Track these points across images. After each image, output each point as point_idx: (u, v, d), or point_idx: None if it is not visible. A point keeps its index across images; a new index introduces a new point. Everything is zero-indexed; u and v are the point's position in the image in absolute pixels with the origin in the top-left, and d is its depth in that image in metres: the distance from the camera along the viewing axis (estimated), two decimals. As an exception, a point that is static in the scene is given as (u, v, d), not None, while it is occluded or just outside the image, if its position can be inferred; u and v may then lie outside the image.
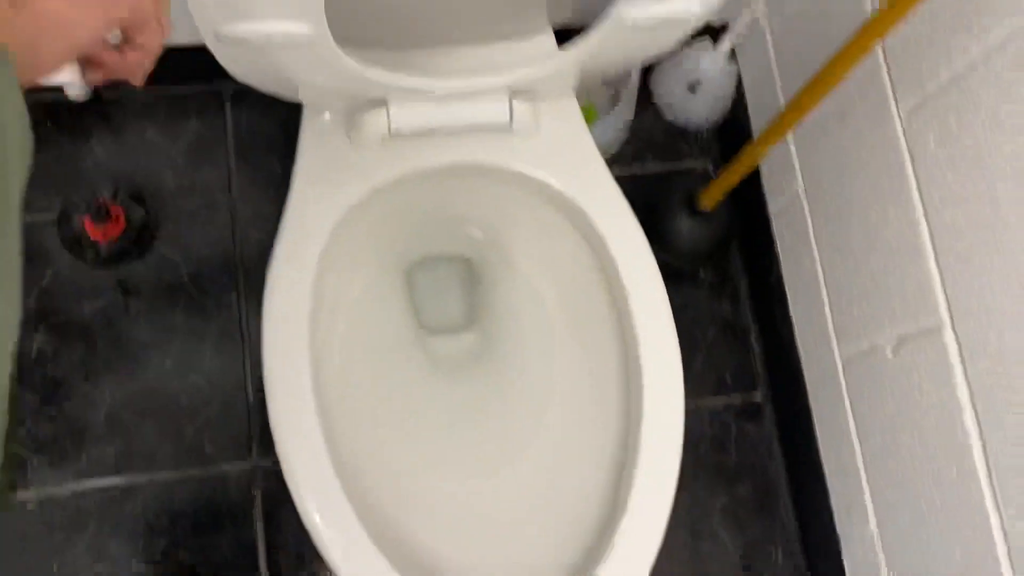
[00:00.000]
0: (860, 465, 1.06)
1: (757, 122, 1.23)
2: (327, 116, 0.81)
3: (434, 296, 1.02)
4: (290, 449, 0.73)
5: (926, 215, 0.89)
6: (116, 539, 1.08)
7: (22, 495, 1.08)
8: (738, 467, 1.23)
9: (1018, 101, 0.75)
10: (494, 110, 0.79)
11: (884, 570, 1.03)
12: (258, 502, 1.12)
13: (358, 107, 0.78)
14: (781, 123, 0.96)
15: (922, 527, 0.95)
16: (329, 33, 0.62)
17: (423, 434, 0.92)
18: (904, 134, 0.91)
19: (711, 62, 1.24)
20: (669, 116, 1.32)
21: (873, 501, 1.04)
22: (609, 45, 0.70)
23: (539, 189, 0.84)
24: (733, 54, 1.26)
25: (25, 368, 1.11)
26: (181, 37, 1.11)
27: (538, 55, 0.74)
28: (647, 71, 1.32)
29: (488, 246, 0.97)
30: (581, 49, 0.70)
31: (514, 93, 0.79)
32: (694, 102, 1.29)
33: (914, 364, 0.93)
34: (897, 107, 0.92)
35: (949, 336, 0.87)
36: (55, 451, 1.10)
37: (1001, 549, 0.83)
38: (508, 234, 0.94)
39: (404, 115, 0.77)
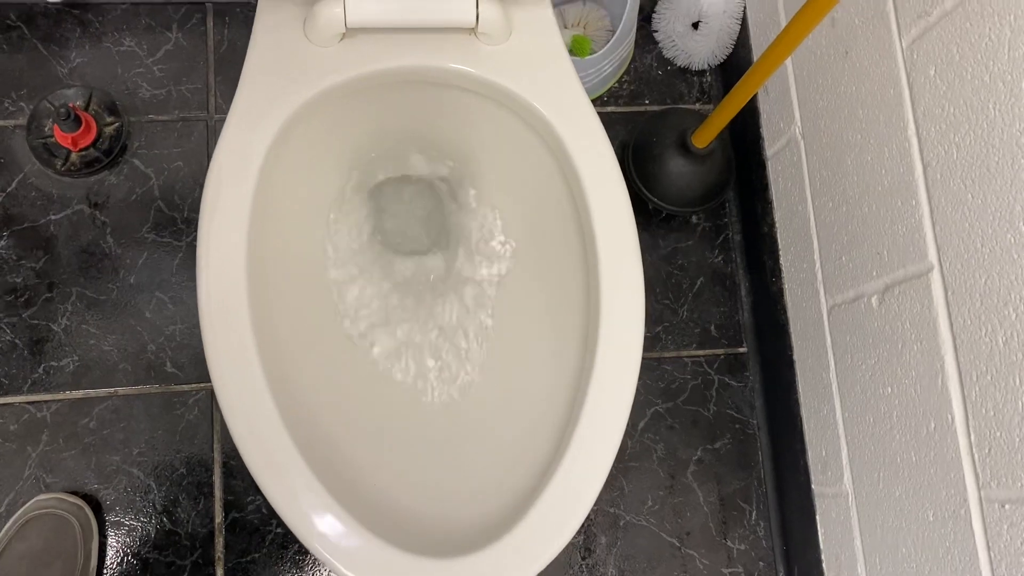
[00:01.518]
0: (839, 420, 1.01)
1: (760, 62, 1.17)
2: (283, 8, 0.76)
3: (399, 217, 0.98)
4: (221, 364, 0.69)
5: (921, 153, 0.83)
6: (69, 452, 1.05)
7: (-23, 402, 1.06)
8: (717, 421, 1.18)
9: (1022, 29, 0.69)
10: (459, 7, 0.74)
11: (856, 530, 0.98)
12: (217, 424, 1.09)
13: (315, -2, 0.73)
14: (777, 48, 0.90)
15: (896, 485, 0.90)
16: None
17: (373, 356, 0.88)
18: (905, 65, 0.85)
19: (715, -3, 1.18)
20: (670, 55, 1.26)
21: (849, 458, 0.99)
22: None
23: (506, 100, 0.80)
24: (739, -11, 1.19)
25: (-13, 274, 1.09)
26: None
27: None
28: (650, 8, 1.26)
29: (455, 165, 0.92)
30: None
31: (481, -9, 0.75)
32: (696, 40, 1.23)
33: (899, 313, 0.88)
34: (900, 38, 0.86)
35: (936, 280, 0.82)
36: (13, 360, 1.07)
37: (975, 510, 0.79)
38: (475, 154, 0.90)
39: (361, 6, 0.73)
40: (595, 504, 1.12)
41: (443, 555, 0.67)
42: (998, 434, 0.75)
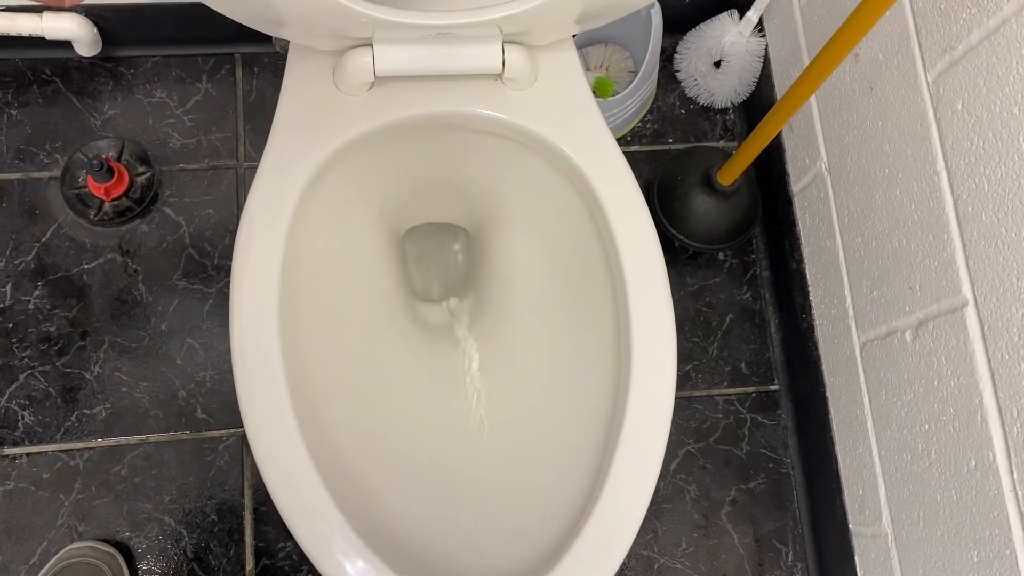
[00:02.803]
0: (875, 459, 0.99)
1: (783, 99, 1.18)
2: (313, 59, 0.78)
3: (426, 264, 0.99)
4: (254, 410, 0.69)
5: (951, 186, 0.83)
6: (101, 500, 1.06)
7: (10, 450, 1.06)
8: (751, 460, 1.17)
9: (1050, 54, 0.69)
10: (485, 54, 0.75)
11: (897, 572, 0.96)
12: (248, 470, 1.09)
13: (344, 48, 0.75)
14: (802, 85, 0.90)
15: (937, 525, 0.88)
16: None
17: (405, 400, 0.88)
18: (931, 100, 0.85)
19: (736, 36, 1.19)
20: (692, 93, 1.27)
21: (888, 497, 0.97)
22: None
23: (533, 144, 0.80)
24: (760, 27, 1.20)
25: (20, 323, 1.10)
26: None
27: (531, -6, 0.70)
28: (671, 48, 1.27)
29: (482, 211, 0.93)
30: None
31: (508, 38, 0.75)
32: (719, 78, 1.24)
33: (934, 348, 0.87)
34: (925, 73, 0.86)
35: (972, 316, 0.81)
36: (46, 408, 1.08)
37: (1021, 551, 0.77)
38: (502, 198, 0.90)
39: (390, 56, 0.74)
40: (629, 547, 1.10)
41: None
42: (1042, 471, 0.73)
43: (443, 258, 0.99)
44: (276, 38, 1.11)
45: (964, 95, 0.80)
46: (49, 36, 1.10)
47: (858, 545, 1.04)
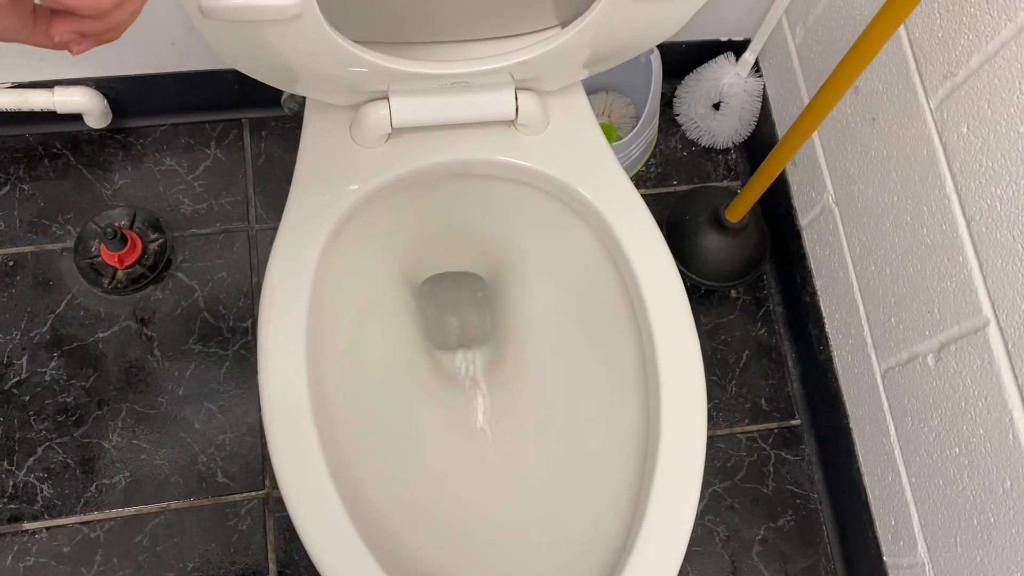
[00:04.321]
0: (906, 486, 0.98)
1: (784, 136, 1.20)
2: (329, 114, 0.79)
3: (444, 313, 0.99)
4: (286, 464, 0.69)
5: (963, 208, 0.84)
6: (123, 571, 1.04)
7: (30, 524, 1.05)
8: (777, 497, 1.16)
9: (1053, 72, 0.71)
10: (499, 101, 0.76)
11: (938, 601, 0.94)
12: (271, 533, 1.07)
13: (360, 103, 0.76)
14: (804, 121, 0.92)
15: (976, 549, 0.87)
16: (318, 8, 0.60)
17: (431, 450, 0.87)
18: (936, 126, 0.87)
19: (734, 77, 1.21)
20: (694, 136, 1.29)
21: (922, 525, 0.96)
22: (614, 21, 0.67)
23: (549, 187, 0.81)
24: (757, 68, 1.23)
25: (37, 395, 1.09)
26: (199, 63, 1.12)
27: (543, 39, 0.71)
28: (670, 92, 1.30)
29: (499, 258, 0.93)
30: (585, 26, 0.68)
31: (520, 84, 0.77)
32: (718, 120, 1.26)
33: (958, 370, 0.87)
34: (927, 99, 0.88)
35: (994, 334, 0.81)
36: (65, 480, 1.07)
37: (1065, 567, 0.76)
38: (519, 243, 0.91)
39: (406, 108, 0.75)
40: (660, 592, 1.09)
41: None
42: (1081, 486, 0.73)
43: (460, 307, 0.99)
44: (285, 100, 1.13)
45: (969, 119, 0.82)
46: (60, 110, 1.12)
47: (894, 577, 1.03)
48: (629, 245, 0.78)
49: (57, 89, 1.11)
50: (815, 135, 1.10)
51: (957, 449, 0.89)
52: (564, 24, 0.78)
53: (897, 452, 1.00)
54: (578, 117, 0.82)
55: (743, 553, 1.13)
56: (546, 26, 0.80)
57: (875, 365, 1.03)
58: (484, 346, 0.97)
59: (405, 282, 0.92)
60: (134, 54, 1.09)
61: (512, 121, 0.79)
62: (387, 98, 0.75)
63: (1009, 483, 0.81)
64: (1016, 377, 0.79)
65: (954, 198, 0.85)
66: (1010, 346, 0.80)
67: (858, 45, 0.81)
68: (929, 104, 0.87)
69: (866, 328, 1.04)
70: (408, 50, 0.77)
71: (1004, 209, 0.78)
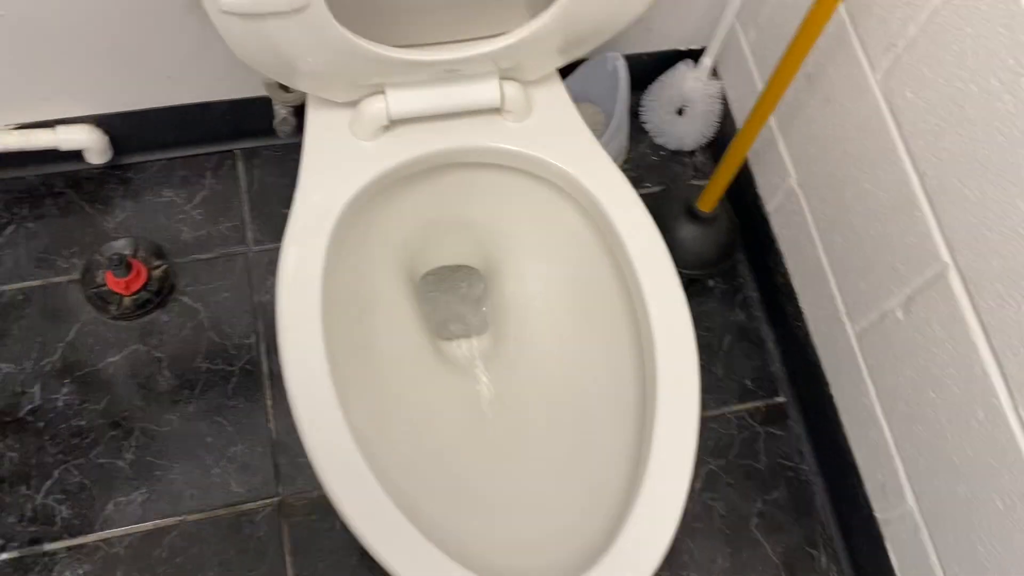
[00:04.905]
0: (889, 440, 1.04)
1: (746, 133, 1.28)
2: (330, 112, 0.86)
3: (444, 306, 1.04)
4: (329, 467, 0.73)
5: (915, 165, 0.92)
6: (145, 583, 1.07)
7: (50, 546, 1.07)
8: (770, 472, 1.21)
9: (981, 24, 0.79)
10: (485, 89, 0.84)
11: (929, 545, 0.99)
12: (286, 537, 1.10)
13: (359, 98, 0.83)
14: (763, 102, 1.00)
15: (958, 484, 0.93)
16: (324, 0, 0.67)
17: (437, 425, 0.92)
18: (883, 95, 0.95)
19: (695, 82, 1.30)
20: (661, 141, 1.37)
21: (907, 474, 1.02)
22: (582, 6, 0.75)
23: (536, 169, 0.88)
24: (716, 72, 1.32)
25: (51, 421, 1.13)
26: (193, 95, 1.19)
27: (521, 29, 0.79)
28: (635, 101, 1.38)
29: (493, 247, 0.99)
30: (557, 11, 0.75)
31: (503, 74, 0.84)
32: (683, 124, 1.34)
33: (926, 317, 0.94)
34: (873, 73, 0.96)
35: (954, 277, 0.88)
36: (83, 500, 1.10)
37: (1040, 482, 0.81)
38: (511, 230, 0.97)
39: (401, 99, 0.82)
40: (666, 570, 1.13)
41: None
42: (1045, 400, 0.79)
43: (459, 300, 1.05)
44: (278, 124, 1.20)
45: (911, 83, 0.90)
46: (63, 147, 1.18)
47: (887, 532, 1.08)
48: (616, 216, 0.85)
49: (59, 128, 1.17)
50: (774, 124, 1.18)
51: (932, 393, 0.95)
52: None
53: (878, 409, 1.06)
54: (559, 105, 0.90)
55: (742, 527, 1.18)
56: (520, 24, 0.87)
57: (849, 330, 1.09)
58: (484, 334, 1.03)
59: (406, 275, 0.98)
60: (131, 90, 1.16)
61: (498, 109, 0.86)
62: (384, 92, 0.82)
63: (981, 413, 0.88)
64: (977, 312, 0.86)
65: (906, 158, 0.93)
66: (969, 284, 0.87)
67: (801, 29, 0.90)
68: (875, 77, 0.96)
69: (837, 296, 1.11)
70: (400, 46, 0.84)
71: (951, 159, 0.86)
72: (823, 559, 1.17)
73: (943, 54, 0.85)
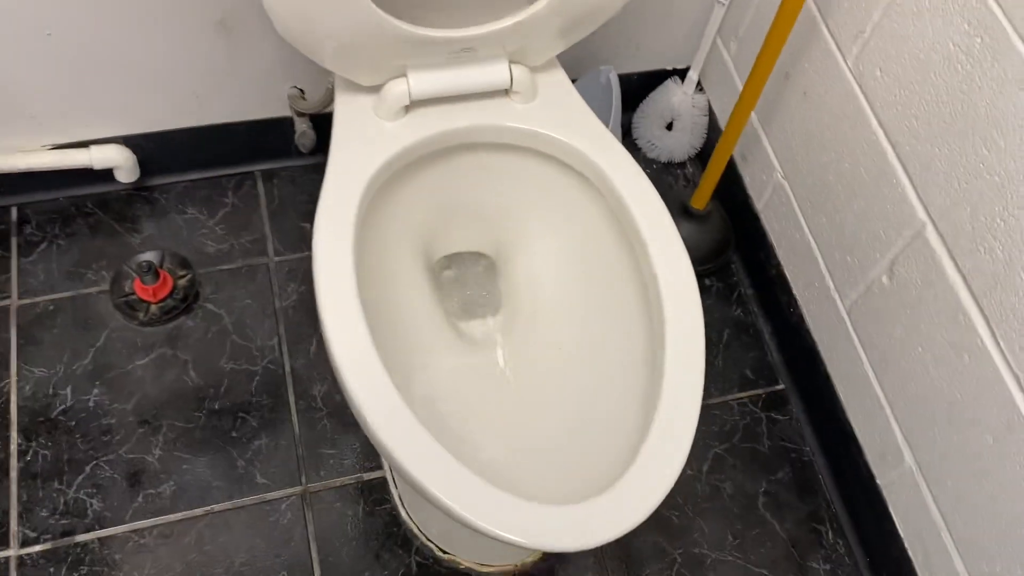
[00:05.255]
0: (884, 404, 1.10)
1: (732, 140, 1.38)
2: (356, 96, 0.94)
3: (458, 289, 1.11)
4: (359, 387, 0.78)
5: (888, 137, 1.01)
6: (174, 571, 1.09)
7: (82, 537, 1.11)
8: (774, 453, 1.26)
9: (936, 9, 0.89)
10: (496, 71, 0.92)
11: (929, 498, 1.04)
12: (311, 524, 1.14)
13: (383, 80, 0.91)
14: (745, 94, 1.09)
15: (952, 432, 0.98)
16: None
17: (458, 390, 0.98)
18: (855, 79, 1.04)
19: (682, 97, 1.40)
20: (653, 154, 1.46)
21: (903, 433, 1.07)
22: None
23: (544, 147, 0.96)
24: (701, 87, 1.42)
25: (82, 420, 1.17)
26: (218, 115, 1.28)
27: (525, 10, 0.88)
28: (627, 122, 1.48)
29: (505, 227, 1.06)
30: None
31: (511, 58, 0.93)
32: (672, 137, 1.44)
33: (909, 277, 1.01)
34: (845, 60, 1.06)
35: (931, 233, 0.96)
36: (113, 493, 1.13)
37: (1026, 412, 0.87)
38: (521, 210, 1.04)
39: (421, 81, 0.91)
40: (680, 548, 1.17)
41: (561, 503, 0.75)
42: (1023, 329, 0.86)
43: (472, 280, 1.11)
44: (298, 138, 1.29)
45: (880, 63, 1.00)
46: (97, 166, 1.26)
47: (889, 497, 1.12)
48: (620, 183, 0.93)
49: (93, 148, 1.25)
50: (758, 123, 1.28)
51: (920, 348, 1.01)
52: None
53: (872, 376, 1.12)
54: (561, 89, 0.98)
55: (750, 505, 1.22)
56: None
57: (840, 306, 1.16)
58: (498, 313, 1.09)
59: (424, 259, 1.05)
60: (161, 108, 1.24)
61: (507, 91, 0.95)
62: (405, 75, 0.91)
63: (967, 357, 0.94)
64: (955, 260, 0.93)
65: (880, 132, 1.02)
66: (945, 237, 0.94)
67: (774, 22, 1.00)
68: (847, 63, 1.06)
69: (827, 276, 1.18)
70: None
71: (920, 125, 0.95)
72: (829, 534, 1.21)
73: (906, 31, 0.95)
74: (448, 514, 0.74)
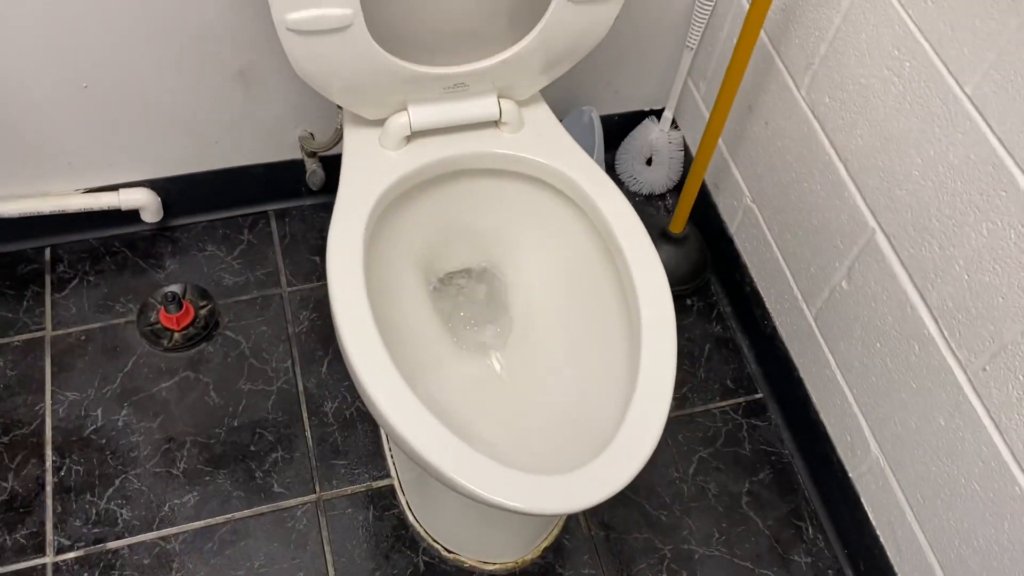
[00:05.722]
0: (851, 400, 1.20)
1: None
2: (362, 130, 1.06)
3: (456, 304, 1.21)
4: (374, 385, 0.88)
5: (839, 156, 1.13)
6: (199, 574, 1.18)
7: (113, 544, 1.19)
8: (755, 456, 1.35)
9: (870, 30, 1.02)
10: (486, 104, 1.05)
11: (895, 484, 1.13)
12: (325, 530, 1.22)
13: (386, 115, 1.04)
14: (712, 124, 1.22)
15: (909, 419, 1.08)
16: (363, 17, 0.89)
17: (456, 387, 1.08)
18: (808, 106, 1.17)
19: (659, 134, 1.53)
20: (634, 188, 1.59)
21: (869, 426, 1.17)
22: (559, 25, 0.97)
23: (532, 171, 1.08)
24: (675, 124, 1.55)
25: (112, 438, 1.27)
26: (235, 159, 1.40)
27: (510, 49, 1.01)
28: (611, 160, 1.60)
29: (497, 246, 1.18)
30: (536, 32, 0.97)
31: (500, 92, 1.06)
32: (652, 172, 1.56)
33: (864, 279, 1.12)
34: (799, 90, 1.18)
35: (880, 237, 1.07)
36: (141, 503, 1.22)
37: (968, 390, 0.97)
38: (513, 230, 1.15)
39: (421, 114, 1.03)
40: (670, 544, 1.25)
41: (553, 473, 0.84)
42: (960, 315, 0.96)
43: (467, 295, 1.22)
44: (309, 176, 1.41)
45: (828, 90, 1.12)
46: (124, 207, 1.37)
47: (860, 487, 1.21)
48: (602, 203, 1.04)
49: (122, 191, 1.37)
50: (727, 153, 1.40)
51: (878, 344, 1.12)
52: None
53: (839, 375, 1.22)
54: (545, 120, 1.11)
55: (734, 504, 1.30)
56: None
57: (808, 314, 1.27)
58: (494, 323, 1.19)
59: (424, 274, 1.16)
60: (184, 153, 1.37)
61: (497, 122, 1.07)
62: (406, 108, 1.03)
63: (917, 346, 1.04)
64: (901, 260, 1.04)
65: (832, 152, 1.14)
66: (892, 239, 1.05)
67: (731, 60, 1.13)
68: (801, 92, 1.18)
69: (795, 287, 1.29)
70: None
71: (865, 142, 1.07)
72: (809, 529, 1.29)
73: (848, 60, 1.07)
74: (455, 488, 0.84)
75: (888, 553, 1.17)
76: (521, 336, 1.15)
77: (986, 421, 0.95)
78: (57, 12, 1.12)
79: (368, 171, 1.04)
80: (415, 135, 1.06)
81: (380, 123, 1.06)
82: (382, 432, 1.31)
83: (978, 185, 0.91)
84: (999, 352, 0.92)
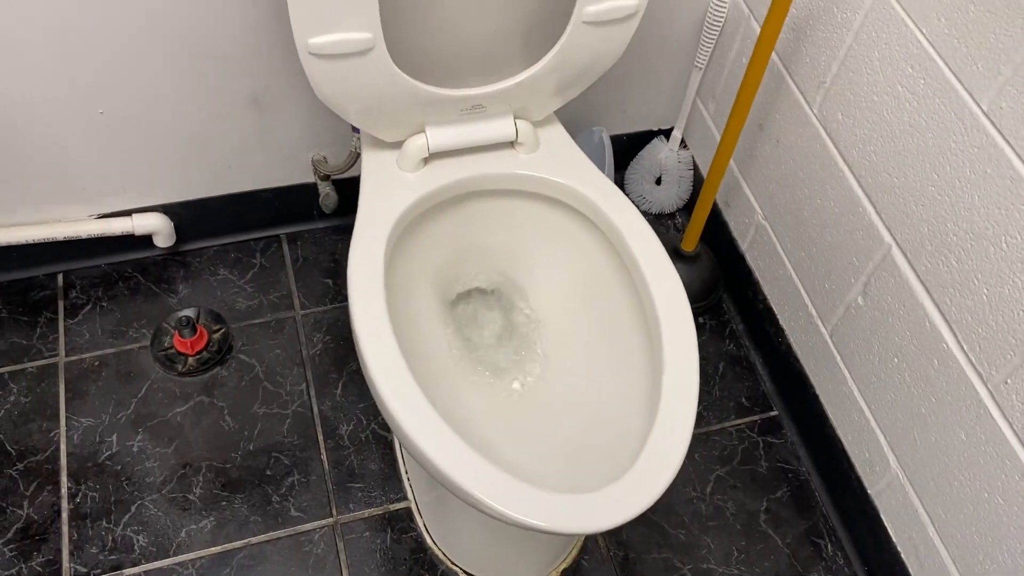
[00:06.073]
0: (869, 416, 1.20)
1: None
2: (380, 152, 1.07)
3: (475, 323, 1.21)
4: (395, 401, 0.88)
5: (853, 172, 1.13)
6: (217, 598, 1.17)
7: (129, 570, 1.18)
8: (772, 474, 1.34)
9: (883, 48, 1.03)
10: (503, 125, 1.05)
11: (916, 500, 1.13)
12: (342, 554, 1.22)
13: (404, 137, 1.04)
14: (724, 142, 1.23)
15: (929, 433, 1.08)
16: (384, 42, 0.90)
17: (481, 412, 1.07)
18: (821, 123, 1.18)
19: (668, 153, 1.54)
20: (644, 207, 1.59)
21: (887, 441, 1.17)
22: (573, 47, 0.98)
23: (548, 191, 1.08)
24: (684, 143, 1.56)
25: (127, 464, 1.26)
26: (247, 184, 1.41)
27: (526, 71, 1.02)
28: (620, 177, 1.61)
29: (514, 268, 1.18)
30: (553, 54, 0.98)
31: (516, 114, 1.06)
32: (661, 191, 1.57)
33: (880, 295, 1.12)
34: (811, 108, 1.19)
35: (896, 252, 1.08)
36: (157, 529, 1.21)
37: (990, 403, 0.97)
38: (529, 250, 1.16)
39: (438, 136, 1.04)
40: (689, 564, 1.25)
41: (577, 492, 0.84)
42: (979, 329, 0.96)
43: (486, 315, 1.22)
44: (322, 200, 1.42)
45: (841, 108, 1.13)
46: (138, 232, 1.38)
47: (880, 504, 1.21)
48: (621, 223, 1.04)
49: (135, 216, 1.38)
50: (738, 171, 1.41)
51: (896, 359, 1.12)
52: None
53: (856, 391, 1.22)
54: (560, 141, 1.11)
55: (752, 523, 1.30)
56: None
57: (823, 330, 1.27)
58: (511, 343, 1.19)
59: (442, 293, 1.16)
60: (198, 178, 1.37)
61: (513, 142, 1.08)
62: (424, 131, 1.04)
63: (936, 362, 1.04)
64: (918, 275, 1.05)
65: (845, 168, 1.15)
66: (908, 255, 1.06)
67: (745, 76, 1.14)
68: (813, 111, 1.19)
69: (809, 304, 1.29)
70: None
71: (878, 158, 1.08)
72: (828, 546, 1.29)
73: (860, 78, 1.08)
74: (479, 507, 0.83)
75: (910, 570, 1.17)
76: (539, 355, 1.15)
77: (1008, 434, 0.95)
78: (73, 38, 1.13)
79: (387, 193, 1.04)
80: (432, 156, 1.06)
81: (398, 145, 1.07)
82: (398, 454, 1.31)
83: (996, 199, 0.91)
84: (1021, 365, 0.92)
